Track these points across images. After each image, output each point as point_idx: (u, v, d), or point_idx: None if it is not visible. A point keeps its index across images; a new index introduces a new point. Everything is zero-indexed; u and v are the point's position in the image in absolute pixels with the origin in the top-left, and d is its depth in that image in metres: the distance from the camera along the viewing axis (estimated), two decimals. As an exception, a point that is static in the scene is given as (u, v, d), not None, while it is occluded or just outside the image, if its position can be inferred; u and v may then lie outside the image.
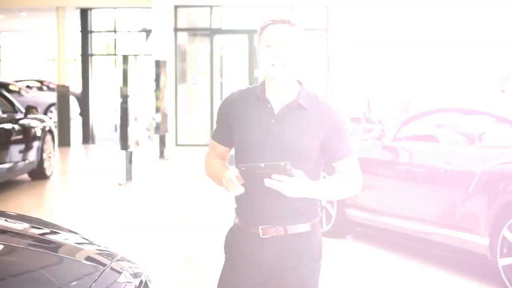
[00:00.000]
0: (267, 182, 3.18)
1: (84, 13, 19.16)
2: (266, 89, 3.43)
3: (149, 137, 16.56)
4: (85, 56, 19.23)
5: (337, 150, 3.43)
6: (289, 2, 17.21)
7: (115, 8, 19.69)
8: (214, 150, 3.58)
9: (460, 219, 6.72)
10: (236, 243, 3.48)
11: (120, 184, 12.23)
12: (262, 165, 3.15)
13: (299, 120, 3.37)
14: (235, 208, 3.53)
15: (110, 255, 3.23)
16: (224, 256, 3.55)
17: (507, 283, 6.31)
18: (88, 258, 3.16)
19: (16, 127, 11.80)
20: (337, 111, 3.45)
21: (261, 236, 3.37)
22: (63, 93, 18.41)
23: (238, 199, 3.47)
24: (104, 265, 3.05)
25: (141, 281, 3.15)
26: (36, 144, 12.38)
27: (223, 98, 3.59)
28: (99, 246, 3.41)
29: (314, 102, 3.41)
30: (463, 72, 16.86)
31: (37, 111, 12.89)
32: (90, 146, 18.71)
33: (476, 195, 6.59)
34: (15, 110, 12.26)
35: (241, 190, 3.26)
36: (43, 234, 3.46)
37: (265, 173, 3.17)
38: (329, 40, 17.24)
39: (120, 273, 3.03)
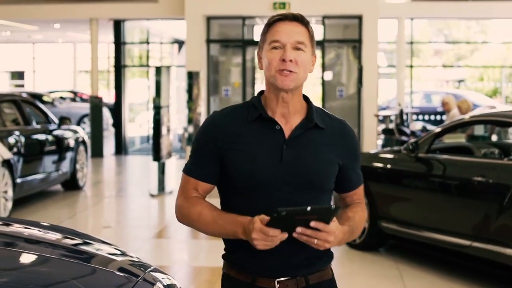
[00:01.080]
0: (300, 230, 2.50)
1: (117, 25, 19.29)
2: (267, 105, 2.73)
3: (182, 148, 16.55)
4: (118, 67, 19.35)
5: (354, 178, 2.83)
6: (322, 13, 17.20)
7: (148, 19, 19.80)
8: (195, 190, 2.82)
9: (495, 232, 6.64)
10: None
11: (152, 195, 12.26)
12: (308, 209, 2.44)
13: (317, 143, 2.71)
14: (227, 255, 2.84)
15: (143, 266, 3.23)
16: None
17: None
18: (121, 269, 3.15)
19: (50, 138, 11.89)
20: (351, 130, 2.82)
21: None
22: (96, 104, 18.54)
23: (234, 244, 2.74)
24: (137, 276, 3.05)
25: (174, 292, 3.14)
26: (69, 155, 12.46)
27: (205, 120, 2.82)
28: (131, 257, 3.40)
29: (327, 120, 2.77)
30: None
31: (70, 122, 12.97)
32: (123, 157, 18.79)
33: (511, 208, 6.52)
34: (48, 121, 12.36)
35: (283, 237, 2.54)
36: (76, 244, 3.46)
37: (303, 220, 2.49)
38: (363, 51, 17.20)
39: (153, 284, 3.02)
